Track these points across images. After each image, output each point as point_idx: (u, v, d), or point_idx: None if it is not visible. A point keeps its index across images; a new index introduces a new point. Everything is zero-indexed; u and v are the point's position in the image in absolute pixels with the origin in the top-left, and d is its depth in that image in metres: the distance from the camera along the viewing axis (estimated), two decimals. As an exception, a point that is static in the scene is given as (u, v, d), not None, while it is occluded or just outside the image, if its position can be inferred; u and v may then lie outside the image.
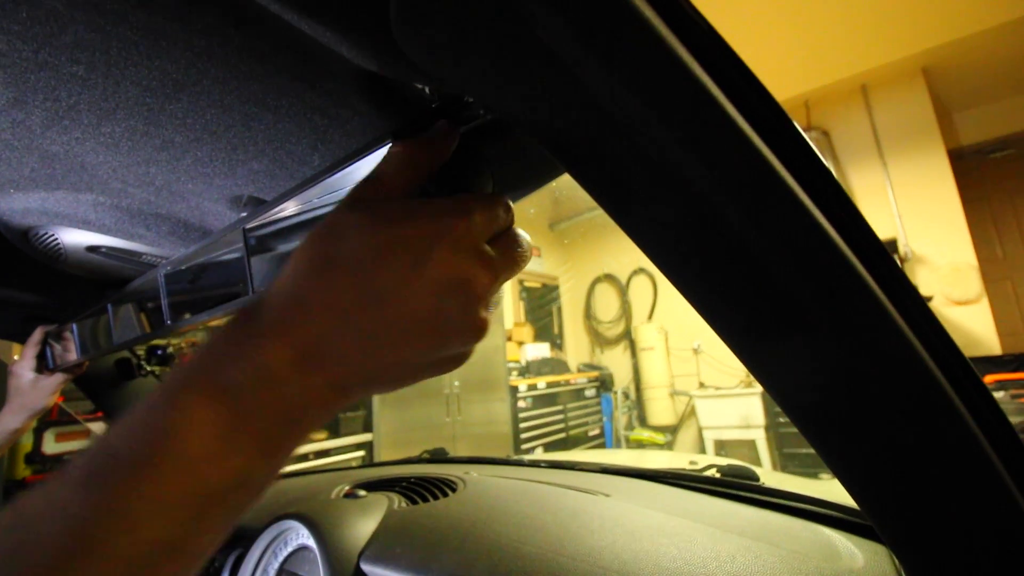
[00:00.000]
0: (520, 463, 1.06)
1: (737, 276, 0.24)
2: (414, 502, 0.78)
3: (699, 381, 5.09)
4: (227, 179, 0.45)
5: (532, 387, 4.45)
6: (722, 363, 4.91)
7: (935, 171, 4.09)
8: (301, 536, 0.72)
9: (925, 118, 4.18)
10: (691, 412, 4.99)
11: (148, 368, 1.09)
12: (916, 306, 0.26)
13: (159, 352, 1.11)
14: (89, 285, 0.81)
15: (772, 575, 0.49)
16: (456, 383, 3.79)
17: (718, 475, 0.82)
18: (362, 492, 0.79)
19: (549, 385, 4.66)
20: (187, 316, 0.53)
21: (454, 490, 0.81)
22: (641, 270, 5.67)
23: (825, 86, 4.33)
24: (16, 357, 2.51)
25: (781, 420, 4.21)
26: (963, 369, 0.28)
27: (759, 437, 4.29)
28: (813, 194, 0.22)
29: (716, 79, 0.20)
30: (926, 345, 0.26)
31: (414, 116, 0.31)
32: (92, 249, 0.55)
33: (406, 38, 0.21)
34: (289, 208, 0.44)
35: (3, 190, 0.50)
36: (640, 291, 5.72)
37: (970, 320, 3.86)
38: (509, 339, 4.71)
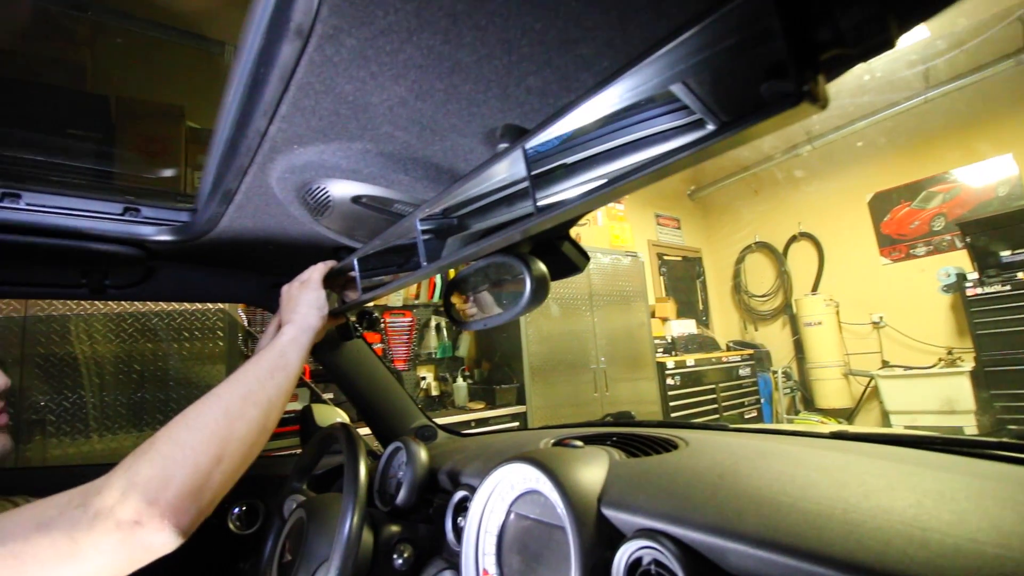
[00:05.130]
0: (724, 428, 0.98)
1: None
2: (633, 455, 0.75)
3: (882, 359, 4.42)
4: (497, 103, 0.44)
5: (680, 364, 4.24)
6: (914, 338, 4.20)
7: None
8: (529, 480, 0.73)
9: None
10: (872, 395, 4.37)
11: (360, 330, 1.21)
12: None
13: (368, 316, 1.23)
14: (324, 250, 0.90)
15: None
16: (603, 359, 3.74)
17: (1011, 440, 0.67)
18: (578, 443, 0.78)
19: (698, 363, 4.40)
20: (445, 255, 0.55)
21: (675, 447, 0.76)
22: (802, 235, 5.06)
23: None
24: (242, 313, 2.96)
25: (998, 404, 3.48)
26: None
27: (968, 424, 3.61)
28: None
29: None
30: None
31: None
32: (356, 199, 0.59)
33: None
34: (561, 127, 0.42)
35: (289, 148, 0.55)
36: (801, 259, 5.12)
37: None
38: (652, 315, 4.52)
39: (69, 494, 0.55)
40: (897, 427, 3.94)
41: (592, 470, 0.68)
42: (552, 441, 0.93)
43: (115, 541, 0.52)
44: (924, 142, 4.38)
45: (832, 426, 0.84)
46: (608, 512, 0.61)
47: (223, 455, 0.64)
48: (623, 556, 0.58)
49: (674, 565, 0.53)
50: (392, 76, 0.41)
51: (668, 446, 0.77)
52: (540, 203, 0.41)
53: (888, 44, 0.24)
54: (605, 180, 0.40)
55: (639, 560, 0.57)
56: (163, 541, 0.57)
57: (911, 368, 4.05)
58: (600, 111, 0.40)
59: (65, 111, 1.55)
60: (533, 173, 0.41)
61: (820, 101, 0.25)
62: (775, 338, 5.30)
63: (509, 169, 0.46)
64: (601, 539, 0.60)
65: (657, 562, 0.55)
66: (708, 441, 0.77)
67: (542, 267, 0.61)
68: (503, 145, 0.48)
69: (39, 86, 1.62)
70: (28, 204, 0.71)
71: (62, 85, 1.73)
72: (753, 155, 4.99)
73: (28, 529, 0.51)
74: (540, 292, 0.61)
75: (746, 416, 4.67)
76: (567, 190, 0.44)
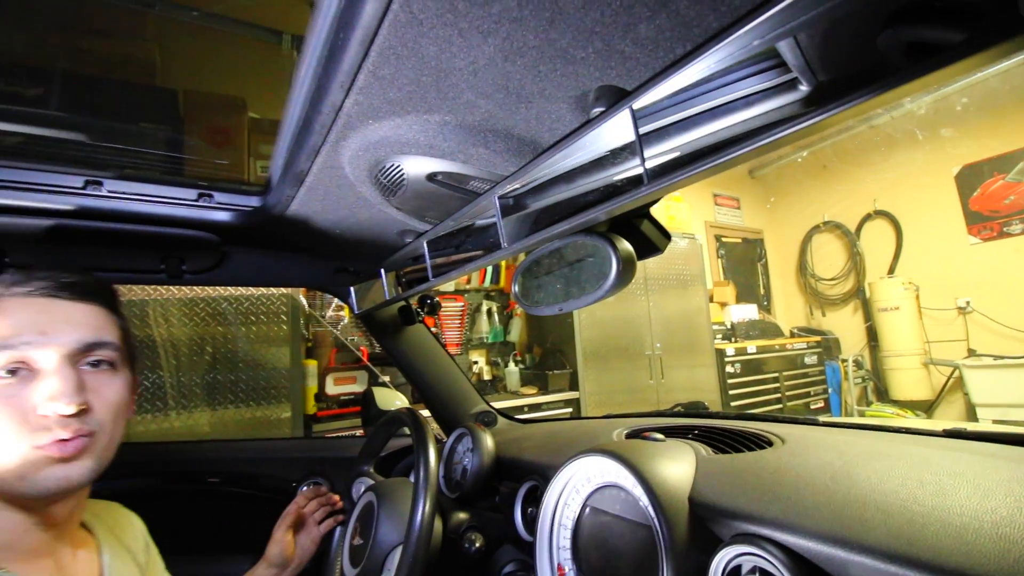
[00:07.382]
0: (814, 422, 0.90)
1: None
2: (722, 451, 0.70)
3: (968, 348, 4.06)
4: (596, 61, 0.39)
5: (741, 351, 4.06)
6: (1006, 325, 3.83)
7: None
8: (607, 474, 0.69)
9: None
10: (955, 386, 4.03)
11: (422, 315, 1.20)
12: None
13: (429, 302, 1.21)
14: (391, 233, 0.88)
15: None
16: (658, 344, 3.63)
17: None
18: (659, 436, 0.73)
19: (760, 350, 4.19)
20: (524, 234, 0.51)
21: (770, 444, 0.70)
22: (878, 213, 4.68)
23: None
24: (303, 298, 3.03)
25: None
26: None
27: (1071, 421, 3.27)
28: None
29: None
30: None
31: None
32: (431, 177, 0.56)
33: None
34: (671, 85, 0.37)
35: (364, 123, 0.52)
36: (876, 239, 4.75)
37: None
38: (711, 300, 4.34)
39: None
40: (984, 421, 3.62)
41: (679, 466, 0.63)
42: (625, 432, 0.89)
43: None
44: (1022, 108, 3.93)
45: (944, 423, 0.75)
46: (701, 513, 0.56)
47: None
48: (720, 562, 0.53)
49: (783, 575, 0.47)
50: (482, 33, 0.37)
51: (761, 442, 0.71)
52: (649, 167, 0.36)
53: None
54: (699, 149, 0.35)
55: (738, 568, 0.53)
56: None
57: (1003, 357, 3.70)
58: (716, 65, 0.34)
59: (138, 105, 1.62)
60: (642, 134, 0.37)
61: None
62: (845, 324, 4.97)
63: (606, 136, 0.41)
64: (694, 542, 0.56)
65: (761, 571, 0.50)
66: (807, 438, 0.70)
67: (628, 247, 0.56)
68: (598, 110, 0.43)
69: (114, 82, 1.69)
70: (109, 191, 0.73)
71: (135, 81, 1.80)
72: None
73: None
74: (626, 274, 0.56)
75: (812, 407, 4.43)
76: (658, 158, 0.39)
